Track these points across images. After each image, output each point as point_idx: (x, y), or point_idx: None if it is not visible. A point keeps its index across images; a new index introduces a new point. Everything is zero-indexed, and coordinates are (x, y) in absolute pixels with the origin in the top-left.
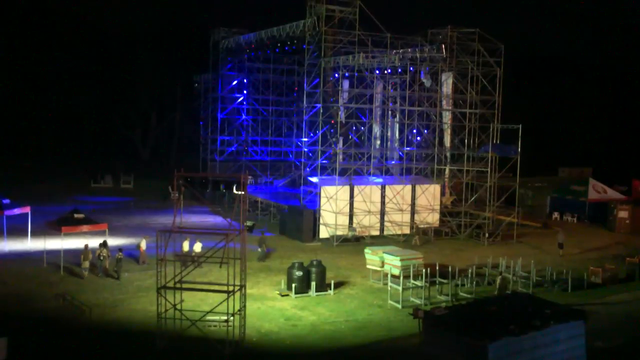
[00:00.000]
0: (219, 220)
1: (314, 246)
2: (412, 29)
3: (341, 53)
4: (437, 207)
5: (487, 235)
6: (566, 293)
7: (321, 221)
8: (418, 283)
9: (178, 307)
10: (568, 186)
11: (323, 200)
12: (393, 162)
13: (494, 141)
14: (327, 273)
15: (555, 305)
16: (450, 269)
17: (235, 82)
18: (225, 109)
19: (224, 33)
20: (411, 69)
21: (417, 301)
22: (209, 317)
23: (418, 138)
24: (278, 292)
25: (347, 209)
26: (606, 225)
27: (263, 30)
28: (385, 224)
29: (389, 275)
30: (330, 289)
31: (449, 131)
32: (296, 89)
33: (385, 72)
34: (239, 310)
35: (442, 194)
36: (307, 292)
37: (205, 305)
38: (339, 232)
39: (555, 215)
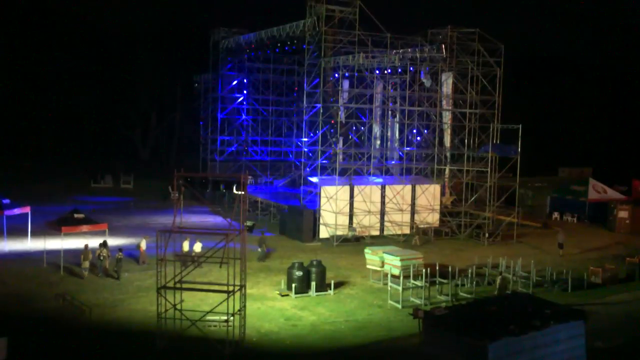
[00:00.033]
0: (219, 220)
1: (314, 246)
2: (412, 29)
3: (341, 53)
4: (437, 207)
5: (487, 235)
6: (566, 293)
7: (321, 221)
8: (418, 283)
9: (178, 307)
10: (568, 186)
11: (323, 200)
12: (393, 162)
13: (494, 141)
14: (327, 273)
15: (555, 305)
16: (450, 269)
17: (235, 82)
18: (225, 109)
19: (224, 33)
20: (411, 69)
21: (417, 301)
22: (209, 317)
23: (418, 138)
24: (278, 292)
25: (347, 209)
26: (606, 225)
27: (263, 30)
28: (385, 224)
29: (389, 275)
30: (330, 289)
31: (449, 131)
32: (296, 89)
33: (385, 72)
34: (239, 310)
35: (442, 194)
36: (307, 292)
37: (205, 305)
38: (339, 232)
39: (555, 215)
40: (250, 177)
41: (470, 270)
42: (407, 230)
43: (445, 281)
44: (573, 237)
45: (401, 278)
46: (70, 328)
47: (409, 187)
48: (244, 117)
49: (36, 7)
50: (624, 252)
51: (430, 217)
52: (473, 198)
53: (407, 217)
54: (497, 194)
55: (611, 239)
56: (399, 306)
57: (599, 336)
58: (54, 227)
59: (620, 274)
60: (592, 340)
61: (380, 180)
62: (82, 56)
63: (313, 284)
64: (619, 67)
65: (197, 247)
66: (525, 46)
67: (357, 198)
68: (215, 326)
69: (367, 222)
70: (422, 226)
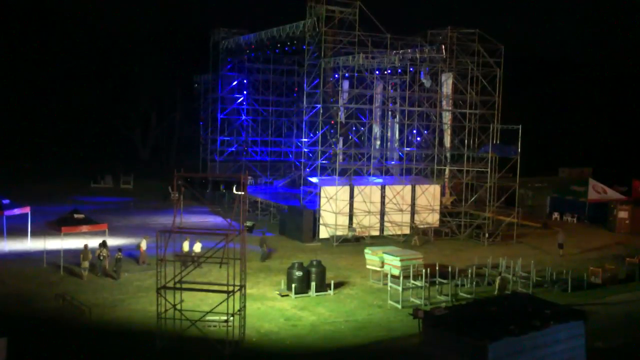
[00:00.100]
0: (218, 220)
1: (313, 246)
2: (412, 30)
3: (341, 53)
4: (437, 208)
5: (487, 235)
6: (566, 293)
7: (321, 221)
8: (418, 283)
9: (178, 307)
10: (568, 186)
11: (323, 201)
12: (393, 162)
13: (494, 141)
14: (327, 273)
15: (555, 306)
16: (450, 269)
17: (235, 83)
18: (225, 110)
19: (224, 33)
20: (411, 69)
21: (417, 301)
22: (208, 317)
23: (418, 138)
24: (278, 293)
25: (347, 209)
26: (606, 226)
27: (263, 31)
28: (385, 224)
29: (388, 276)
30: (330, 289)
31: (448, 131)
32: (296, 89)
33: (385, 72)
34: (239, 311)
35: (442, 194)
36: (307, 293)
37: (205, 305)
38: (339, 233)
39: (555, 215)
40: (250, 177)
41: (470, 271)
42: (407, 231)
43: (445, 281)
44: (573, 238)
45: (401, 278)
46: (70, 328)
47: (408, 188)
48: (243, 117)
49: (36, 7)
50: (624, 253)
51: (430, 218)
52: (473, 198)
53: (407, 218)
54: (497, 194)
55: (611, 239)
56: (399, 306)
57: (599, 336)
58: (54, 227)
59: (620, 274)
60: (592, 340)
61: (380, 180)
62: (82, 56)
63: (313, 284)
64: (619, 67)
65: (197, 247)
66: (525, 47)
67: (357, 198)
68: (215, 326)
69: (367, 223)
70: (421, 226)
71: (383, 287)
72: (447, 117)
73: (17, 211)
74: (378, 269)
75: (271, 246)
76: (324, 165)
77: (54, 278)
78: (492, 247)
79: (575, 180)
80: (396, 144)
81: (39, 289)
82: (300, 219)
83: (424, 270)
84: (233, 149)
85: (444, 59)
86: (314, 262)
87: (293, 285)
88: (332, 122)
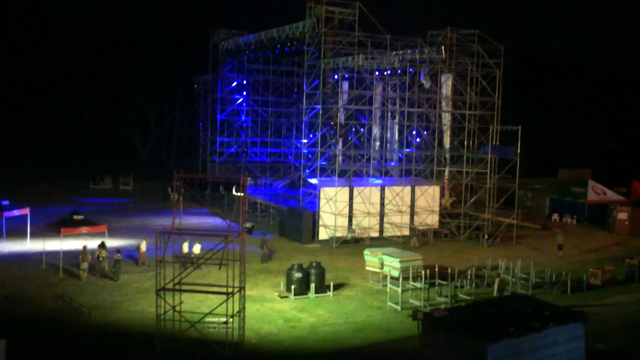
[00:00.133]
0: (218, 221)
1: (313, 248)
2: (412, 31)
3: (341, 54)
4: (437, 209)
5: (486, 236)
6: (565, 295)
7: (320, 223)
8: (417, 285)
9: (177, 308)
10: (567, 188)
11: (322, 202)
12: (392, 163)
13: (494, 142)
14: (327, 275)
15: (554, 307)
16: (449, 271)
17: (234, 84)
18: (224, 110)
19: (223, 34)
20: (411, 70)
21: (417, 303)
22: (208, 319)
23: (417, 139)
24: (277, 294)
25: (346, 211)
26: (605, 227)
27: (263, 32)
28: (385, 225)
29: (388, 277)
30: (330, 291)
31: (448, 132)
32: (296, 90)
33: (385, 73)
34: (238, 312)
35: (442, 195)
36: (306, 294)
37: (205, 306)
38: (339, 234)
39: (555, 216)
40: (249, 178)
41: (469, 272)
42: (406, 232)
43: (444, 283)
44: (572, 239)
45: (400, 280)
46: (69, 330)
47: (408, 189)
48: (243, 118)
49: (35, 8)
50: (623, 254)
51: (430, 219)
52: (472, 199)
53: (406, 219)
54: (497, 195)
55: (610, 241)
56: (398, 308)
57: (598, 338)
58: (53, 229)
59: (620, 276)
60: (592, 341)
61: (379, 181)
62: (82, 57)
63: (312, 285)
64: (619, 68)
65: (197, 248)
66: (525, 48)
67: (357, 199)
68: (214, 328)
69: (367, 224)
70: (421, 228)
71: (382, 288)
72: (446, 118)
73: (16, 212)
74: (377, 270)
75: (270, 247)
76: (323, 167)
77: (53, 279)
78: (492, 249)
79: (574, 182)
80: (396, 145)
81: (38, 291)
82: (299, 220)
83: (423, 272)
84: (232, 150)
85: (444, 59)
86: (314, 264)
87: (292, 287)
88: (332, 123)
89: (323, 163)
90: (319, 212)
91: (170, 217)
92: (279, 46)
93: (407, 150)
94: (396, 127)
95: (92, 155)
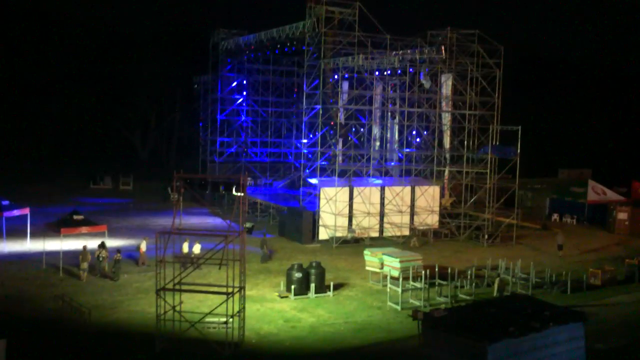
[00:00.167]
0: (218, 221)
1: (313, 248)
2: (412, 31)
3: (341, 54)
4: (437, 209)
5: (486, 236)
6: (565, 295)
7: (320, 223)
8: (417, 285)
9: (177, 308)
10: (567, 188)
11: (322, 202)
12: (392, 163)
13: (494, 142)
14: (327, 275)
15: (554, 307)
16: (449, 271)
17: (234, 84)
18: (224, 110)
19: (223, 34)
20: (411, 70)
21: (417, 303)
22: (208, 319)
23: (417, 139)
24: (277, 294)
25: (346, 211)
26: (605, 227)
27: (263, 32)
28: (385, 225)
29: (388, 277)
30: (330, 291)
31: (448, 132)
32: (296, 90)
33: (385, 73)
34: (238, 312)
35: (442, 195)
36: (306, 294)
37: (205, 307)
38: (338, 234)
39: (555, 216)
40: (249, 178)
41: (469, 272)
42: (406, 232)
43: (444, 283)
44: (572, 239)
45: (400, 280)
46: (69, 330)
47: (408, 189)
48: (243, 118)
49: (35, 8)
50: (623, 254)
51: (430, 219)
52: (472, 199)
53: (406, 219)
54: (497, 195)
55: (610, 241)
56: (398, 308)
57: (598, 338)
58: (53, 229)
59: (620, 276)
60: (592, 341)
61: (379, 181)
62: (82, 57)
63: (312, 285)
64: (619, 69)
65: (196, 248)
66: (525, 48)
67: (357, 199)
68: (214, 328)
69: (367, 224)
70: (421, 228)
71: (382, 288)
72: (446, 118)
73: (16, 212)
74: (377, 270)
75: (271, 247)
76: (323, 167)
77: (53, 279)
78: (492, 249)
79: (574, 182)
80: (396, 145)
81: (38, 291)
82: (299, 220)
83: (423, 272)
84: (232, 150)
85: (444, 59)
86: (314, 264)
87: (292, 287)
88: (332, 123)
89: (323, 163)
90: (319, 212)
91: (170, 217)
92: (279, 46)
93: (407, 150)
94: (396, 127)
95: (92, 155)
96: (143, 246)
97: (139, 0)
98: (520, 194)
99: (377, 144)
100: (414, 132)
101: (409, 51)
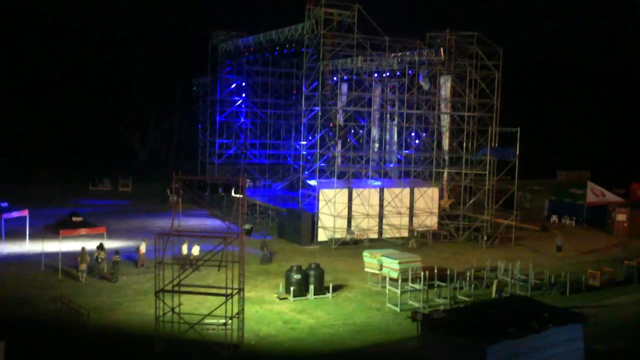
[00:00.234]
0: (217, 223)
1: (312, 249)
2: (411, 32)
3: (340, 56)
4: (436, 210)
5: (485, 238)
6: (564, 296)
7: (319, 224)
8: (416, 286)
9: (176, 310)
10: (566, 189)
11: (321, 204)
12: (391, 165)
13: (492, 144)
14: (326, 276)
15: (553, 308)
16: (448, 272)
17: (233, 85)
18: (223, 112)
19: (222, 36)
20: (409, 72)
21: (416, 304)
22: (207, 321)
23: (416, 141)
24: (276, 296)
25: (345, 212)
26: (604, 228)
27: (262, 34)
28: (384, 227)
29: (387, 279)
30: (329, 292)
31: (447, 134)
32: (295, 92)
33: (384, 75)
34: (237, 314)
35: (441, 197)
36: (305, 296)
37: (204, 308)
38: (338, 235)
39: (554, 218)
40: (248, 180)
41: (468, 273)
42: (405, 234)
43: (443, 284)
44: (571, 240)
45: (399, 281)
46: (68, 331)
47: (407, 190)
48: (242, 120)
49: (35, 10)
50: (622, 255)
51: (429, 220)
52: (471, 201)
53: (405, 220)
54: (496, 197)
55: (609, 242)
56: (397, 309)
57: (597, 339)
58: (52, 230)
59: (618, 277)
60: (591, 343)
61: (378, 183)
62: (81, 59)
63: (311, 287)
64: (618, 70)
65: (195, 250)
66: (524, 49)
67: (356, 201)
68: (213, 329)
69: (366, 225)
70: (419, 229)
71: (381, 290)
72: (445, 120)
73: (15, 214)
74: (376, 271)
75: (270, 249)
76: (322, 168)
77: (52, 281)
78: (491, 250)
79: (573, 183)
80: (394, 147)
81: (37, 292)
82: (298, 222)
83: (422, 273)
84: (232, 151)
85: (443, 61)
86: (313, 265)
87: (291, 288)
88: (331, 124)
89: (322, 165)
90: (317, 213)
91: (169, 218)
92: (278, 48)
93: (406, 152)
94: (395, 129)
95: (92, 157)
96: (142, 248)
97: (138, 2)
98: (519, 196)
99: (376, 145)
100: (413, 134)
101: (407, 53)
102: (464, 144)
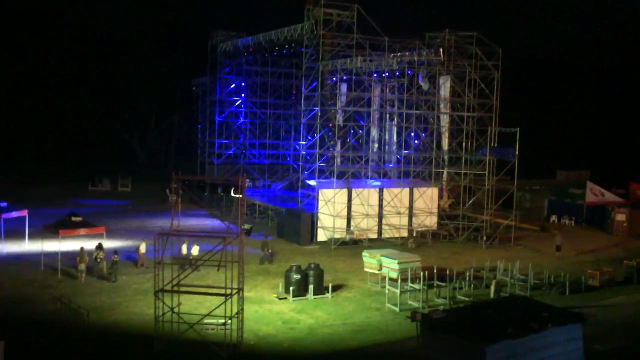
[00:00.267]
0: (217, 223)
1: (312, 249)
2: (410, 33)
3: (339, 57)
4: (435, 211)
5: (485, 238)
6: (564, 296)
7: (319, 224)
8: (416, 286)
9: (176, 310)
10: (566, 189)
11: (321, 204)
12: (391, 165)
13: (492, 144)
14: (325, 276)
15: (553, 309)
16: (448, 272)
17: (233, 86)
18: (223, 112)
19: (222, 36)
20: (409, 72)
21: (415, 304)
22: (206, 321)
23: (416, 141)
24: (276, 296)
25: (345, 212)
26: (604, 229)
27: (261, 34)
28: (384, 227)
29: (387, 279)
30: (328, 292)
31: (447, 134)
32: (294, 92)
33: (384, 75)
34: (237, 314)
35: (440, 197)
36: (305, 296)
37: (203, 308)
38: (337, 236)
39: (553, 218)
40: (248, 180)
41: (468, 274)
42: (405, 234)
43: (443, 284)
44: (571, 240)
45: (399, 281)
46: (68, 331)
47: (407, 191)
48: (242, 120)
49: (35, 10)
50: (622, 255)
51: (429, 221)
52: (471, 201)
53: (405, 221)
54: (495, 197)
55: (609, 242)
56: (397, 309)
57: (597, 339)
58: (52, 231)
59: (618, 277)
60: (590, 343)
61: (378, 183)
62: (80, 59)
63: (311, 287)
64: (617, 71)
65: (195, 250)
66: (524, 49)
67: (355, 201)
68: (213, 329)
69: (365, 226)
70: (419, 229)
71: (381, 290)
72: (445, 120)
73: (15, 214)
74: (376, 272)
75: (271, 250)
76: (322, 168)
77: (52, 281)
78: (490, 250)
79: (573, 183)
80: (394, 147)
81: (37, 292)
82: (298, 222)
83: (422, 274)
84: (231, 152)
85: (442, 62)
86: (312, 265)
87: (291, 289)
88: (330, 125)
89: (322, 165)
90: (317, 213)
91: (169, 219)
92: (277, 48)
93: (406, 152)
94: (395, 129)
95: (91, 157)
96: (143, 248)
97: (138, 2)
98: (519, 196)
99: (376, 146)
100: (413, 134)
101: (407, 53)
102: (464, 144)
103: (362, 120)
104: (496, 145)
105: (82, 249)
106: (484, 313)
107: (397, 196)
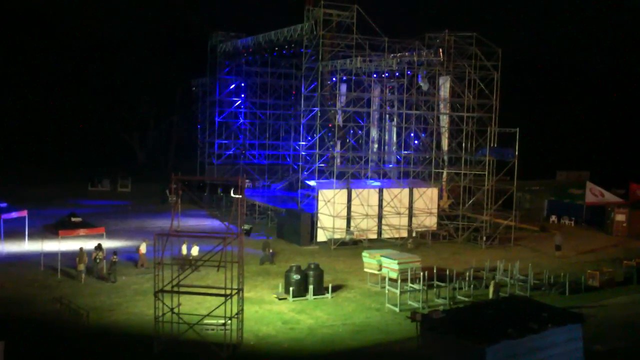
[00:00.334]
0: (216, 223)
1: (311, 249)
2: (410, 33)
3: (339, 57)
4: (435, 211)
5: (484, 238)
6: (564, 296)
7: (319, 224)
8: (416, 286)
9: (175, 310)
10: (565, 189)
11: (321, 204)
12: (390, 165)
13: (492, 145)
14: (325, 276)
15: (552, 309)
16: (447, 273)
17: (233, 86)
18: (222, 113)
19: (221, 37)
20: (408, 72)
21: (415, 304)
22: (206, 321)
23: (415, 142)
24: (276, 296)
25: (344, 213)
26: (603, 229)
27: (261, 34)
28: (383, 227)
29: (386, 279)
30: (328, 293)
31: (446, 135)
32: (294, 92)
33: (383, 75)
34: (237, 314)
35: (440, 197)
36: (304, 296)
37: (203, 309)
38: (337, 236)
39: (553, 218)
40: (247, 180)
41: (467, 274)
42: (404, 234)
43: (442, 284)
44: (570, 240)
45: (399, 281)
46: (67, 332)
47: (406, 191)
48: (241, 120)
49: (35, 10)
50: (622, 255)
51: (428, 221)
52: (471, 201)
53: (404, 221)
54: (495, 197)
55: (608, 242)
56: (397, 309)
57: (596, 339)
58: (52, 231)
59: (618, 277)
60: (590, 343)
61: (377, 183)
62: (80, 60)
63: (311, 287)
64: (617, 71)
65: (195, 250)
66: (523, 50)
67: (355, 201)
68: (212, 330)
69: (365, 226)
70: (418, 229)
71: (381, 290)
72: (444, 121)
73: (14, 214)
74: (376, 272)
75: (272, 250)
76: (321, 169)
77: (51, 281)
78: (490, 250)
79: (572, 184)
80: (394, 147)
81: (37, 292)
82: (297, 222)
83: (421, 274)
84: (231, 152)
85: (442, 62)
86: (312, 266)
87: (291, 289)
88: (330, 125)
89: (321, 165)
90: (317, 214)
91: (169, 219)
92: (277, 49)
93: (405, 152)
94: (394, 129)
95: (91, 158)
96: (143, 248)
97: (138, 2)
98: (519, 196)
99: (375, 146)
100: (412, 135)
101: (406, 54)
102: (463, 144)
103: (362, 120)
104: (496, 146)
105: (81, 249)
106: (484, 313)
107: (397, 196)
